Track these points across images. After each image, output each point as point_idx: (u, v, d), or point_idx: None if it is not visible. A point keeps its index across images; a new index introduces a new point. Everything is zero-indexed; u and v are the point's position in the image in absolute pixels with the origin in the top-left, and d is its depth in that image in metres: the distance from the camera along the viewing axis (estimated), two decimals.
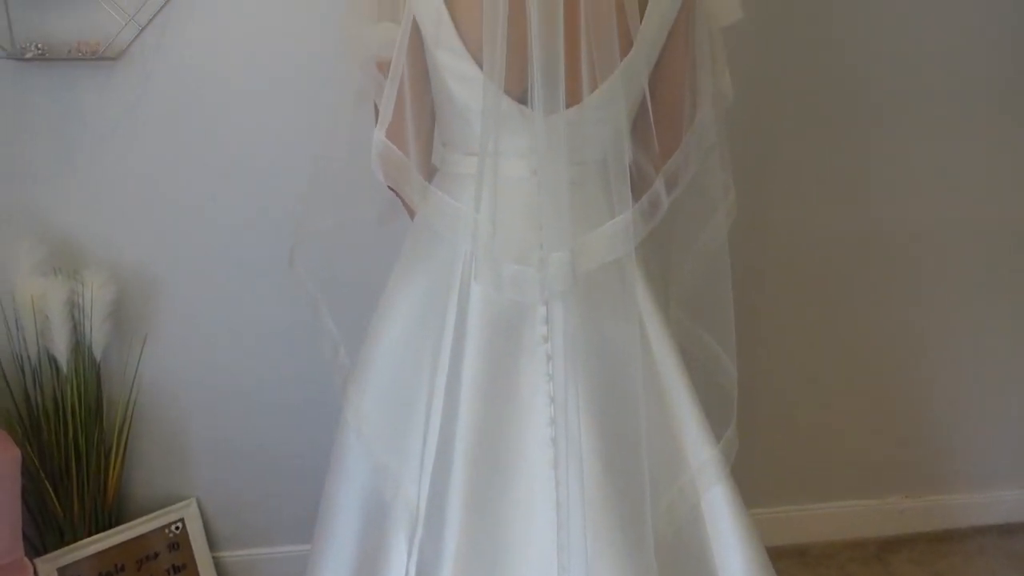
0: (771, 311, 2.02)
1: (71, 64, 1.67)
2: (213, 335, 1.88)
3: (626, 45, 0.98)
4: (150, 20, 1.68)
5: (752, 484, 1.85)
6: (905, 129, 1.95)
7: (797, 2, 1.83)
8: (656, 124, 1.03)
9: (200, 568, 1.92)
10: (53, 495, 1.76)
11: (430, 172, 1.12)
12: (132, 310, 1.83)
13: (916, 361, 2.12)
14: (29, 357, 1.70)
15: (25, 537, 1.80)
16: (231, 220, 1.81)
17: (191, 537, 1.92)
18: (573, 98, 0.99)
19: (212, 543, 1.95)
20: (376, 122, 1.05)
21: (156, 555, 1.88)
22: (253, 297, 1.84)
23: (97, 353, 1.74)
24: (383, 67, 1.03)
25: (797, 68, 1.87)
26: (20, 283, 1.65)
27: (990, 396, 2.17)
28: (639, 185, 1.07)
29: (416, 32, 1.00)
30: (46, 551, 1.77)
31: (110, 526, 1.84)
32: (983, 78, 1.93)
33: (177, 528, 1.91)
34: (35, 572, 1.68)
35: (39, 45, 1.62)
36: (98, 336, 1.73)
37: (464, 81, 1.00)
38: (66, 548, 1.76)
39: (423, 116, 1.06)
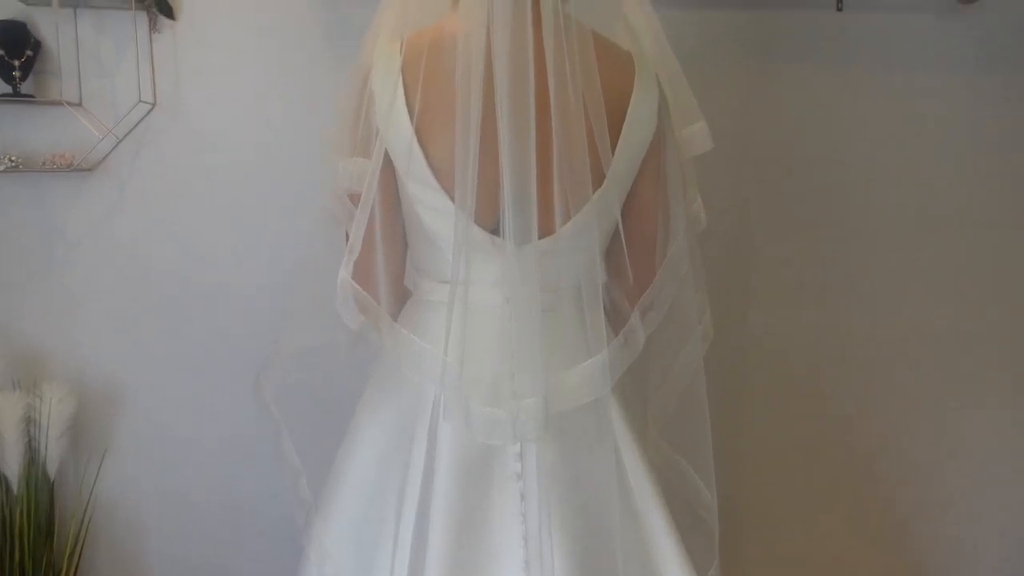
0: (754, 422, 1.98)
1: (45, 175, 1.66)
2: (176, 450, 1.81)
3: (598, 178, 0.99)
4: (128, 132, 1.68)
5: None
6: (885, 236, 1.96)
7: (770, 120, 1.88)
8: (630, 255, 1.03)
9: None
10: None
11: (401, 298, 1.10)
12: (92, 424, 1.76)
13: (907, 477, 2.07)
14: None
15: None
16: (199, 334, 1.76)
17: None
18: (546, 229, 0.98)
19: None
20: (344, 259, 1.03)
21: None
22: (219, 412, 1.78)
23: (51, 470, 1.66)
24: (355, 199, 1.02)
25: (773, 180, 1.90)
26: None
27: (979, 512, 2.12)
28: (614, 317, 1.06)
29: (388, 165, 1.00)
30: None
31: None
32: (960, 196, 1.96)
33: None
34: None
35: (12, 157, 1.61)
36: (53, 453, 1.65)
37: (435, 212, 1.00)
38: None
39: (394, 247, 1.04)
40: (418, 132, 0.97)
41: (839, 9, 1.79)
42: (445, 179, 0.98)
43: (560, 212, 0.97)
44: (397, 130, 0.98)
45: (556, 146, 0.94)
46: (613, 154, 0.99)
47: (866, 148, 1.90)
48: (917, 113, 1.89)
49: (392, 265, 1.04)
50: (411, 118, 0.97)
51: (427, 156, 0.98)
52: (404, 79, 0.98)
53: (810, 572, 2.07)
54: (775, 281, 1.94)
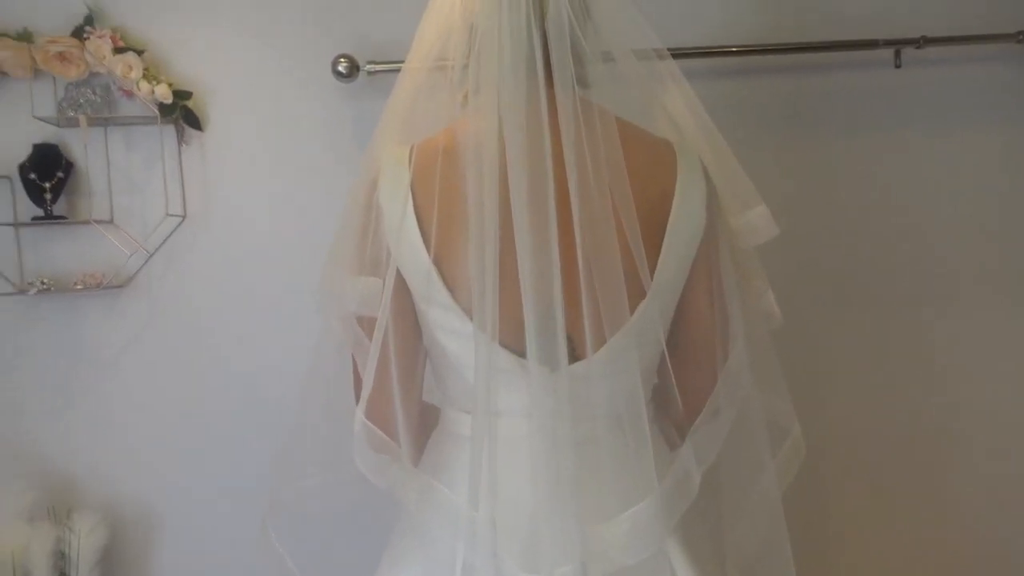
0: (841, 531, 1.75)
1: (77, 295, 1.63)
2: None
3: (638, 291, 0.86)
4: (158, 247, 1.65)
5: None
6: (965, 305, 1.75)
7: (828, 190, 1.72)
8: (679, 374, 0.88)
9: None
10: None
11: (421, 437, 0.98)
12: (126, 554, 1.67)
13: None
14: None
15: None
16: (237, 458, 1.67)
17: None
18: (578, 352, 0.85)
19: None
20: (356, 395, 0.92)
21: None
22: (257, 540, 1.67)
23: None
24: (365, 323, 0.91)
25: (839, 254, 1.73)
26: (2, 534, 1.51)
27: None
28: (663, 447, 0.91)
29: (402, 287, 0.89)
30: None
31: None
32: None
33: None
34: None
35: (44, 280, 1.59)
36: None
37: (456, 335, 0.88)
38: None
39: (412, 380, 0.92)
40: (431, 249, 0.86)
41: (897, 66, 1.64)
42: (464, 299, 0.86)
43: (593, 332, 0.84)
44: (410, 248, 0.87)
45: (583, 257, 0.82)
46: (657, 261, 0.86)
47: (935, 210, 1.72)
48: (983, 169, 1.71)
49: (410, 402, 0.92)
50: (423, 235, 0.86)
51: (443, 275, 0.86)
52: (414, 192, 0.87)
53: None
54: (852, 366, 1.74)
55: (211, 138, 1.67)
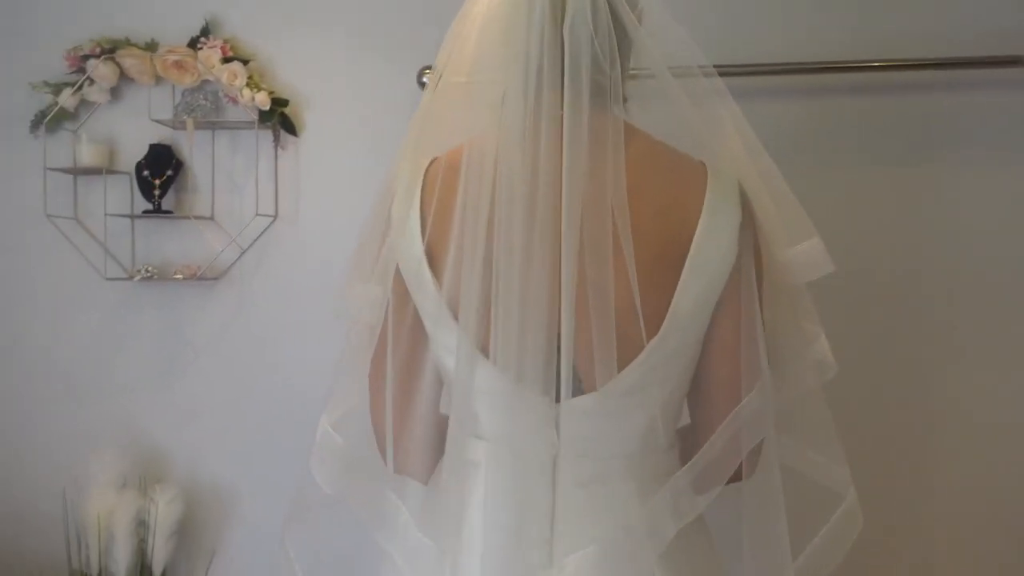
0: None
1: (176, 284, 1.77)
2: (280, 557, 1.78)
3: (653, 327, 0.80)
4: (250, 245, 1.75)
5: None
6: None
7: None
8: (698, 416, 0.83)
9: None
10: None
11: (430, 446, 0.96)
12: (201, 526, 1.78)
13: None
14: (87, 575, 1.68)
15: None
16: (309, 442, 1.74)
17: None
18: (588, 384, 0.81)
19: None
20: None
21: None
22: (322, 521, 1.73)
23: (157, 572, 1.69)
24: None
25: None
26: (91, 498, 1.66)
27: None
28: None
29: (406, 298, 0.88)
30: None
31: None
32: None
33: None
34: None
35: (149, 268, 1.73)
36: (160, 554, 1.68)
37: (451, 353, 0.86)
38: None
39: (408, 391, 0.89)
40: (430, 262, 0.85)
41: None
42: (466, 325, 0.84)
43: (603, 364, 0.80)
44: (413, 261, 0.86)
45: (590, 284, 0.78)
46: (673, 295, 0.81)
47: None
48: None
49: (408, 415, 0.89)
50: (424, 246, 0.85)
51: (440, 288, 0.85)
52: (422, 204, 0.87)
53: None
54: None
55: (305, 143, 1.76)
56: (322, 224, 1.75)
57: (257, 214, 1.72)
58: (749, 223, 0.85)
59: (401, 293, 0.88)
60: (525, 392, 0.80)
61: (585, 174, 0.77)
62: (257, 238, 1.75)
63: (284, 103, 1.72)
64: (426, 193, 0.87)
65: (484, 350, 0.81)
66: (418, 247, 0.86)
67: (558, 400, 0.81)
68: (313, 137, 1.76)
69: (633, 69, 0.89)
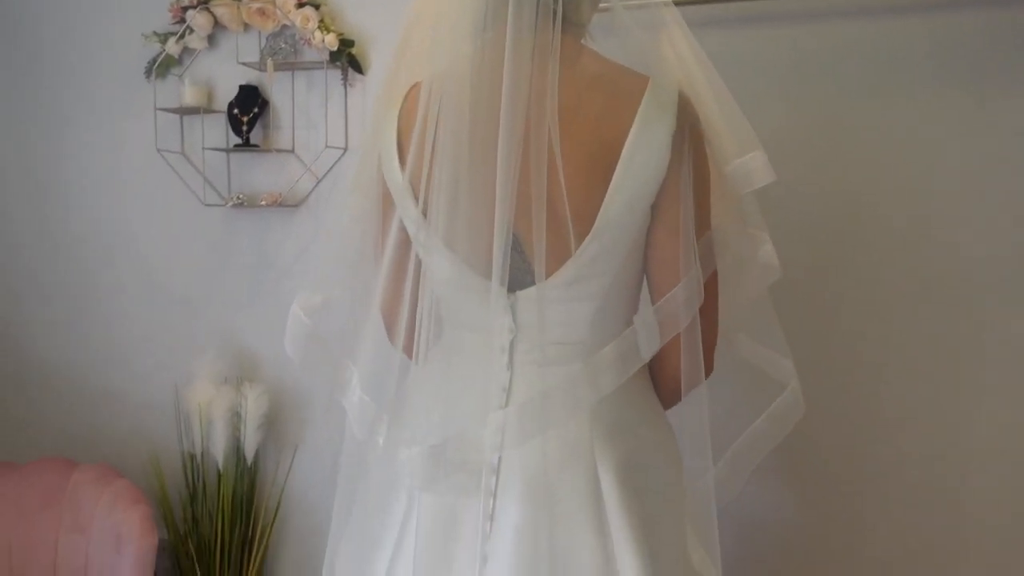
0: None
1: (262, 210, 2.00)
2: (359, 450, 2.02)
3: (587, 226, 0.90)
4: (325, 174, 1.95)
5: None
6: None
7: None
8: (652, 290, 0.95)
9: None
10: None
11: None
12: (286, 421, 2.05)
13: None
14: (193, 455, 1.99)
15: None
16: None
17: None
18: (536, 277, 0.92)
19: None
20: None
21: None
22: None
23: (248, 456, 1.97)
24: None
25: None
26: (196, 390, 1.96)
27: None
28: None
29: (389, 205, 1.01)
30: None
31: None
32: None
33: None
34: None
35: (240, 195, 1.97)
36: (251, 442, 1.96)
37: (428, 253, 0.99)
38: None
39: (392, 284, 1.02)
40: (407, 174, 0.97)
41: None
42: (430, 216, 0.96)
43: (547, 260, 0.91)
44: (389, 169, 1.00)
45: (533, 189, 0.89)
46: (603, 198, 0.90)
47: None
48: None
49: (391, 303, 1.02)
50: (401, 159, 0.98)
51: (416, 197, 0.97)
52: (400, 120, 0.99)
53: None
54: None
55: (371, 81, 1.92)
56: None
57: (328, 146, 1.91)
58: (687, 130, 0.91)
59: (388, 202, 1.02)
60: (485, 283, 0.92)
61: (525, 88, 0.87)
62: (330, 169, 1.95)
63: (351, 44, 1.88)
64: (403, 115, 0.99)
65: (451, 246, 0.94)
66: (395, 162, 0.98)
67: (513, 289, 0.93)
68: (378, 75, 1.91)
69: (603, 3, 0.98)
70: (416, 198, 0.95)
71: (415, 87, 0.99)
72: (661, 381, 1.00)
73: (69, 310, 2.21)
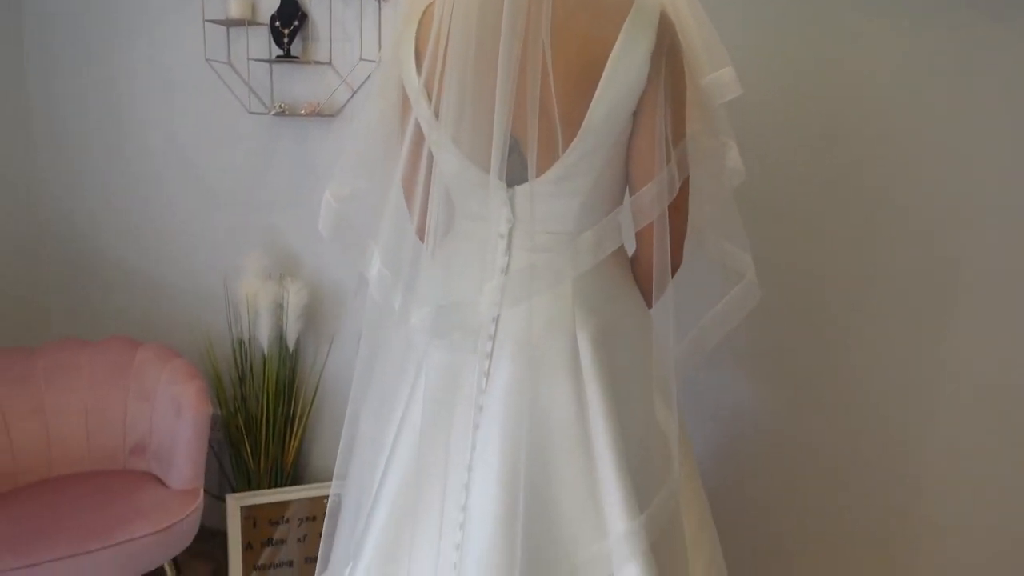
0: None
1: (302, 119, 2.16)
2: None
3: (573, 131, 1.04)
4: (361, 84, 2.09)
5: None
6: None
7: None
8: (631, 188, 1.09)
9: None
10: (249, 450, 2.25)
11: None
12: (325, 314, 2.26)
13: None
14: (242, 341, 2.22)
15: (224, 475, 2.33)
16: None
17: None
18: (531, 174, 1.06)
19: None
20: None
21: (314, 518, 2.27)
22: None
23: (290, 345, 2.20)
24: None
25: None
26: (243, 283, 2.17)
27: None
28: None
29: (407, 106, 1.16)
30: (235, 491, 2.26)
31: (285, 485, 2.28)
32: None
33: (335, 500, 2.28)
34: (225, 504, 2.17)
35: (281, 105, 2.13)
36: (292, 330, 2.18)
37: (441, 151, 1.13)
38: (250, 492, 2.24)
39: (415, 177, 1.18)
40: (423, 80, 1.11)
41: None
42: (441, 117, 1.10)
43: (540, 158, 1.05)
44: (408, 74, 1.13)
45: (528, 96, 1.02)
46: (588, 106, 1.03)
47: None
48: None
49: (410, 190, 1.16)
50: (418, 66, 1.11)
51: (429, 100, 1.10)
52: (417, 35, 1.12)
53: None
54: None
55: None
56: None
57: (362, 59, 2.05)
58: (666, 47, 1.03)
59: (406, 105, 1.16)
60: (487, 177, 1.07)
61: (523, 9, 0.99)
62: (364, 81, 2.08)
63: None
64: (421, 29, 1.12)
65: (458, 144, 1.08)
66: (413, 69, 1.12)
67: (512, 184, 1.08)
68: None
69: None
70: (430, 99, 1.09)
71: (432, 4, 1.12)
72: (640, 269, 1.15)
73: (127, 208, 2.42)
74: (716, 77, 1.08)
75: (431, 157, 1.12)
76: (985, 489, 1.72)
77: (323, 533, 1.30)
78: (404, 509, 1.12)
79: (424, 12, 1.13)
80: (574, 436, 1.07)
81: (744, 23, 1.65)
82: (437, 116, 1.09)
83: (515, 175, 1.09)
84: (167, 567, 1.86)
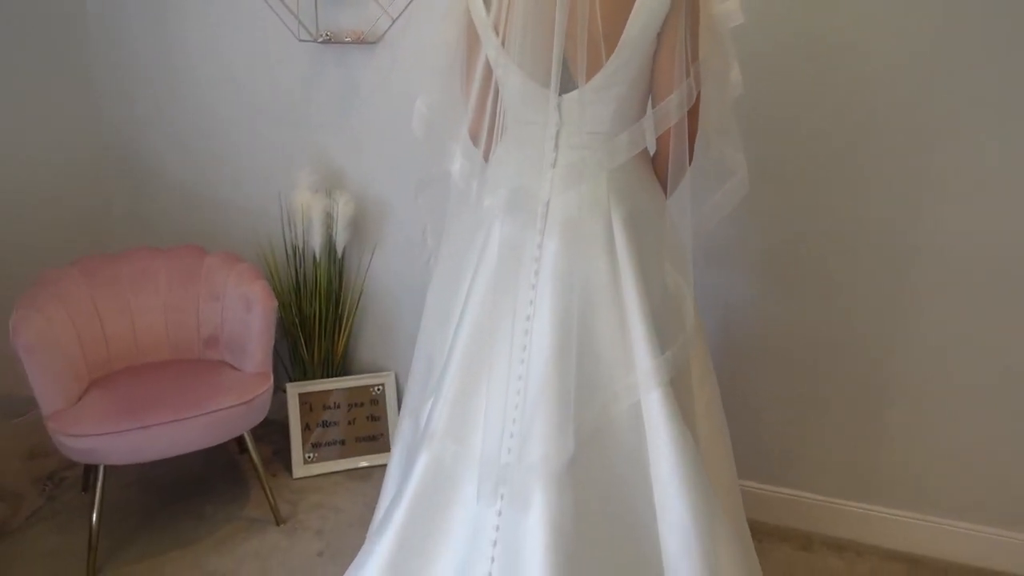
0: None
1: (346, 46, 2.38)
2: (423, 252, 2.50)
3: (611, 47, 1.29)
4: (400, 14, 2.31)
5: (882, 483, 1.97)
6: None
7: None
8: (653, 99, 1.36)
9: (388, 423, 2.60)
10: (304, 344, 2.55)
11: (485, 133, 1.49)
12: (369, 225, 2.54)
13: None
14: (296, 247, 2.50)
15: (284, 367, 2.64)
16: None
17: (386, 398, 2.60)
18: (576, 84, 1.32)
19: (399, 407, 2.61)
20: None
21: (361, 404, 2.59)
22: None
23: (339, 252, 2.48)
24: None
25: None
26: (296, 196, 2.43)
27: None
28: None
29: (475, 36, 1.40)
30: (293, 381, 2.58)
31: (336, 375, 2.59)
32: None
33: (378, 389, 2.61)
34: (285, 391, 2.49)
35: (327, 33, 2.35)
36: (340, 240, 2.46)
37: (505, 70, 1.38)
38: (306, 382, 2.56)
39: (480, 91, 1.42)
40: (492, 15, 1.35)
41: None
42: (510, 48, 1.35)
43: (583, 71, 1.31)
44: (476, 10, 1.38)
45: (577, 21, 1.27)
46: (626, 24, 1.28)
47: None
48: None
49: (481, 106, 1.42)
50: (487, 6, 1.35)
51: (494, 28, 1.35)
52: None
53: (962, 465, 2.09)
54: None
55: None
56: None
57: None
58: None
59: (473, 33, 1.41)
60: (543, 90, 1.33)
61: None
62: (404, 9, 2.30)
63: None
64: None
65: (521, 66, 1.34)
66: (481, 7, 1.37)
67: (560, 94, 1.34)
68: None
69: None
70: (497, 32, 1.34)
71: None
72: (659, 165, 1.42)
73: (184, 132, 2.67)
74: (724, 7, 1.34)
75: (493, 76, 1.38)
76: (949, 360, 2.04)
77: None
78: (479, 348, 1.40)
79: None
80: (609, 294, 1.36)
81: None
82: (503, 45, 1.34)
83: (563, 86, 1.35)
84: (246, 435, 2.18)
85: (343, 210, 2.43)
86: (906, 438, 2.12)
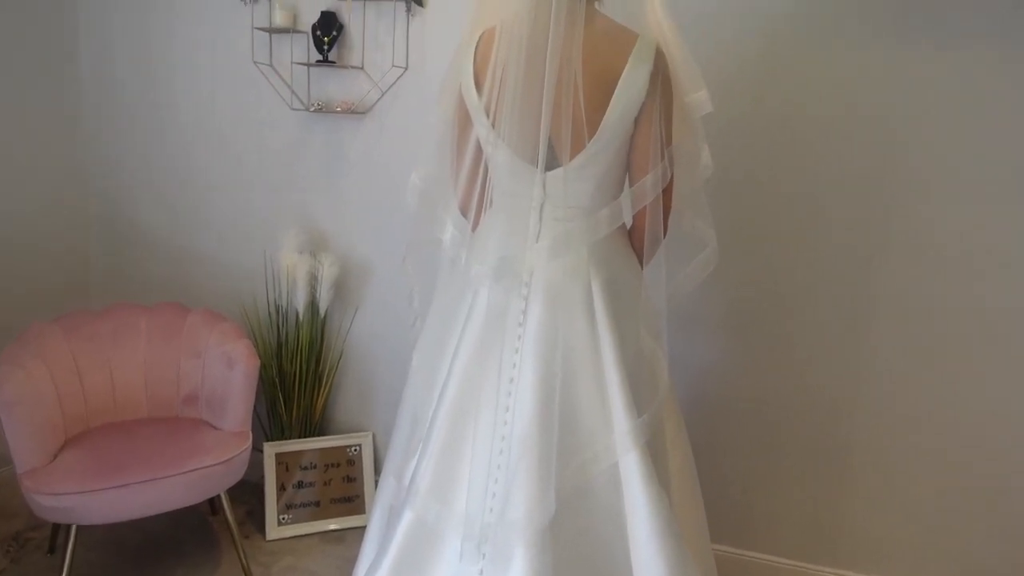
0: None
1: (337, 116, 2.49)
2: (405, 315, 2.56)
3: (593, 130, 1.39)
4: (389, 88, 2.42)
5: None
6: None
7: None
8: (631, 178, 1.46)
9: (364, 484, 2.60)
10: (283, 403, 2.57)
11: (472, 204, 1.57)
12: (351, 286, 2.59)
13: None
14: (280, 306, 2.54)
15: (262, 426, 2.64)
16: None
17: (363, 459, 2.61)
18: (559, 162, 1.42)
19: (376, 468, 2.62)
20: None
21: (338, 464, 2.60)
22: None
23: (321, 312, 2.53)
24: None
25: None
26: (283, 257, 2.49)
27: None
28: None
29: (465, 115, 1.50)
30: (271, 440, 2.58)
31: (313, 435, 2.60)
32: None
33: (355, 450, 2.61)
34: (261, 451, 2.49)
35: (318, 103, 2.45)
36: (323, 299, 2.51)
37: (493, 148, 1.48)
38: (284, 441, 2.56)
39: (468, 167, 1.52)
40: (479, 92, 1.45)
41: None
42: (498, 127, 1.45)
43: (567, 151, 1.40)
44: (467, 88, 1.49)
45: (562, 106, 1.37)
46: (606, 110, 1.39)
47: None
48: None
49: (470, 181, 1.52)
50: (477, 86, 1.46)
51: (484, 108, 1.45)
52: (476, 57, 1.47)
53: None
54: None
55: (430, 12, 2.36)
56: (441, 74, 2.37)
57: (393, 65, 2.38)
58: (660, 72, 1.39)
59: (464, 114, 1.51)
60: (529, 167, 1.43)
61: (562, 41, 1.34)
62: (393, 84, 2.42)
63: None
64: (478, 51, 1.47)
65: (510, 145, 1.43)
66: (471, 83, 1.47)
67: (545, 171, 1.43)
68: (436, 6, 2.36)
69: None
70: (487, 114, 1.44)
71: (486, 32, 1.47)
72: (635, 238, 1.51)
73: (173, 189, 2.73)
74: (695, 97, 1.46)
75: (482, 153, 1.48)
76: (909, 433, 2.13)
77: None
78: (465, 407, 1.45)
79: (479, 40, 1.48)
80: (589, 358, 1.43)
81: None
82: (493, 125, 1.44)
83: (547, 164, 1.44)
84: (223, 496, 2.18)
85: (328, 272, 2.49)
86: (867, 500, 2.18)
